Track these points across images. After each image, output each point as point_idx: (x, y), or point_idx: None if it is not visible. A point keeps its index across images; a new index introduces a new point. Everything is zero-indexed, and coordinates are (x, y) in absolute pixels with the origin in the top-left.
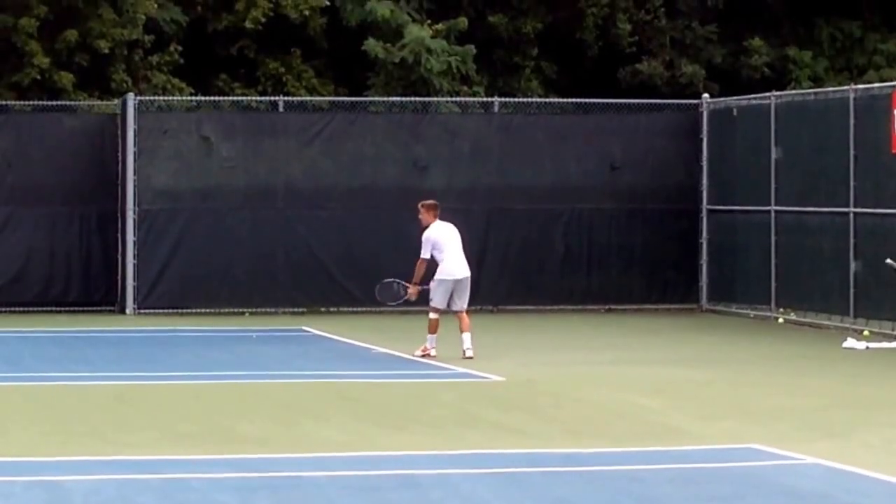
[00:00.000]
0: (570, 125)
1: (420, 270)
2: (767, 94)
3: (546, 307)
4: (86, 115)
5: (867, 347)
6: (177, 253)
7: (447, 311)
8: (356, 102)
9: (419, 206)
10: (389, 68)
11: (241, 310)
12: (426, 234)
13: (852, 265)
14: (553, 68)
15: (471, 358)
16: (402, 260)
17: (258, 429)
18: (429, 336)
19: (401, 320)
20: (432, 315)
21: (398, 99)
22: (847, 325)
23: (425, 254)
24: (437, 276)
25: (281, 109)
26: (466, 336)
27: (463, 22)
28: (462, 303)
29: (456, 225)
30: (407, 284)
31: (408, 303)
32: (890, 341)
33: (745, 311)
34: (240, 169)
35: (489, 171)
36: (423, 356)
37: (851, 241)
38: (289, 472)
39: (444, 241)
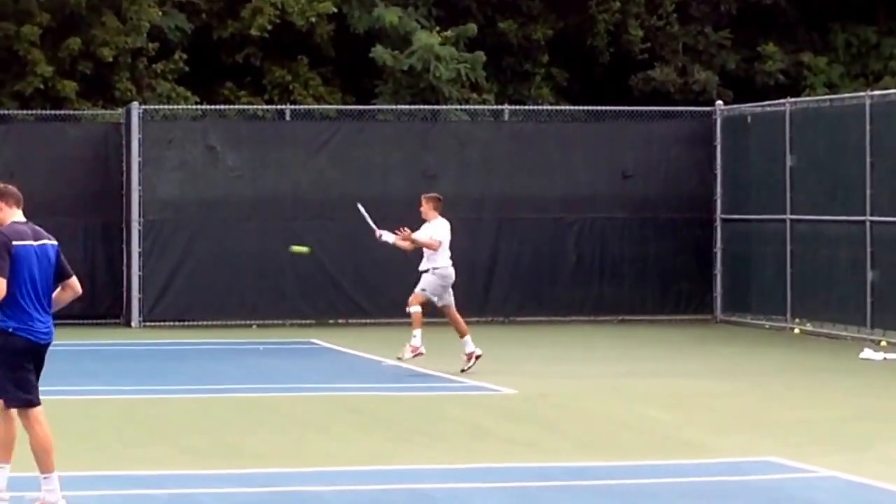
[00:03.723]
0: (581, 133)
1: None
2: (782, 100)
3: (558, 318)
4: (89, 124)
5: (885, 358)
6: (182, 264)
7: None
8: (364, 111)
9: (423, 198)
10: (398, 76)
11: (248, 322)
12: (441, 228)
13: (869, 275)
14: (564, 75)
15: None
16: (411, 270)
17: (266, 443)
18: (417, 332)
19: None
20: (418, 308)
21: (407, 107)
22: (864, 336)
23: (439, 237)
24: (438, 268)
25: (288, 118)
26: (467, 339)
27: (472, 29)
28: (451, 296)
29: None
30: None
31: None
32: None
33: (760, 322)
34: (246, 179)
35: (499, 179)
36: (414, 356)
37: (868, 249)
38: (297, 487)
39: (447, 239)
